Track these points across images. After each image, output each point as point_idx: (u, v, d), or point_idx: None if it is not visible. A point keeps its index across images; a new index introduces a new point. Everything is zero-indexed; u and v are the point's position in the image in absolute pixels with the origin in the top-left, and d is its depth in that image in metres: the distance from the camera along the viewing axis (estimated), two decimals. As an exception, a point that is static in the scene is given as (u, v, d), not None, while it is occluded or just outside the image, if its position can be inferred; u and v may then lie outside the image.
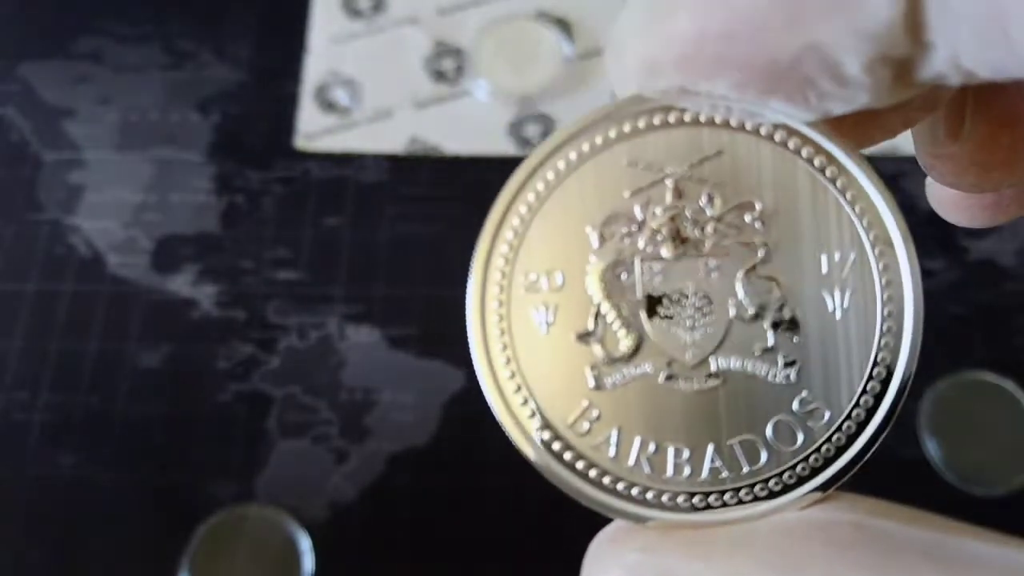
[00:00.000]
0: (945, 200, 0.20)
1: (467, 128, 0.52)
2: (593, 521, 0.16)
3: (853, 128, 0.16)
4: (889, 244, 0.16)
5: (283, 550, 0.44)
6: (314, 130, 0.53)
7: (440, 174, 0.51)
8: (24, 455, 0.46)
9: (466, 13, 0.55)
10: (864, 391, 0.15)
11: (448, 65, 0.54)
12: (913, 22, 0.13)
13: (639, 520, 0.15)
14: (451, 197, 0.51)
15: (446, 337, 0.47)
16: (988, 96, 0.16)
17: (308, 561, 0.43)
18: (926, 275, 0.54)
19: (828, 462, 0.15)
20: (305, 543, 0.44)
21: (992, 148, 0.17)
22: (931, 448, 0.45)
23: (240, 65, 0.54)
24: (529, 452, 0.16)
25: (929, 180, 0.19)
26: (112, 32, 0.55)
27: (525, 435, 0.16)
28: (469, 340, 0.16)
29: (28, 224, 0.51)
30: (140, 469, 0.46)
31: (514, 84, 0.53)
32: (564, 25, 0.55)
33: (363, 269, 0.49)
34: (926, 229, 0.50)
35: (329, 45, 0.55)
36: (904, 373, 0.16)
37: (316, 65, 0.54)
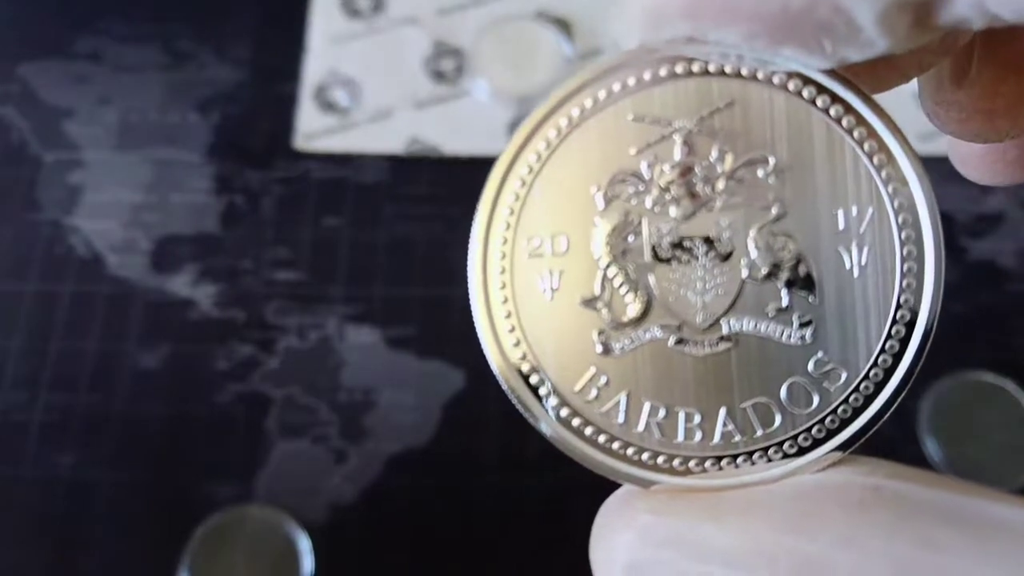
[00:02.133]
0: (967, 155, 0.19)
1: (467, 128, 0.52)
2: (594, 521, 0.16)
3: (867, 74, 0.15)
4: (909, 199, 0.15)
5: (283, 550, 0.44)
6: (314, 130, 0.53)
7: (440, 174, 0.51)
8: (24, 455, 0.46)
9: (466, 13, 0.55)
10: (883, 350, 0.15)
11: (448, 65, 0.54)
12: None
13: (649, 485, 0.15)
14: (451, 197, 0.51)
15: (446, 337, 0.47)
16: (995, 41, 0.16)
17: (308, 561, 0.43)
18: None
19: (844, 424, 0.15)
20: (305, 543, 0.44)
21: (997, 95, 0.16)
22: (931, 448, 0.45)
23: (240, 65, 0.54)
24: (537, 420, 0.16)
25: (950, 143, 0.18)
26: (112, 32, 0.55)
27: (532, 403, 0.15)
28: (472, 308, 0.16)
29: (27, 224, 0.51)
30: (140, 469, 0.46)
31: (514, 84, 0.53)
32: (564, 25, 0.55)
33: (363, 269, 0.49)
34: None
35: (329, 45, 0.55)
36: (925, 330, 0.15)
37: (316, 65, 0.54)
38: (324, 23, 0.55)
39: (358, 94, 0.54)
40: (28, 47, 0.55)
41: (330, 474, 0.45)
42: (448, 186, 0.51)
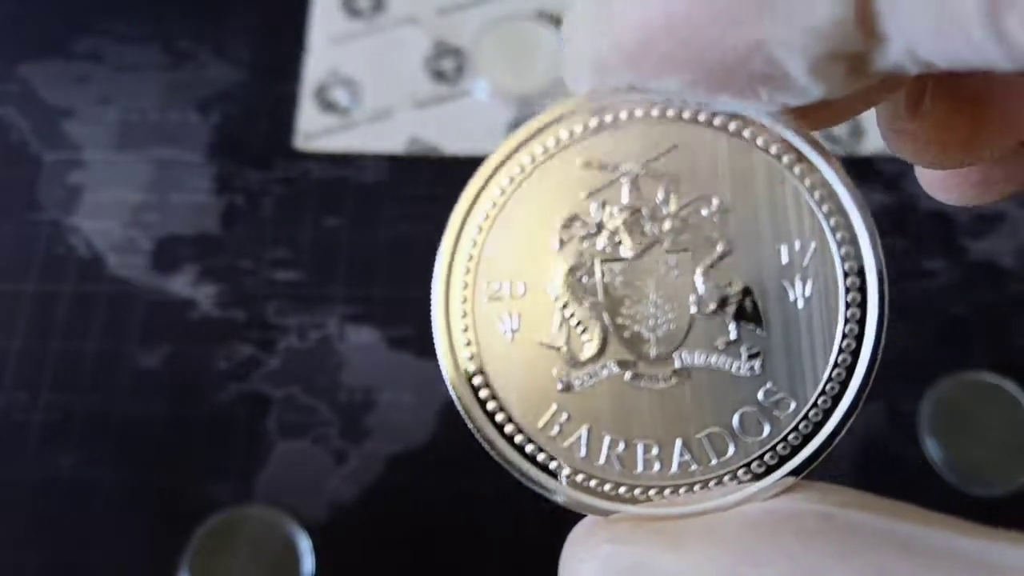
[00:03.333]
0: (933, 179, 0.19)
1: (467, 128, 0.52)
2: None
3: (813, 111, 0.16)
4: (850, 231, 0.15)
5: (283, 550, 0.44)
6: (314, 130, 0.53)
7: (440, 174, 0.51)
8: (24, 455, 0.46)
9: (466, 13, 0.55)
10: (830, 379, 0.15)
11: (448, 65, 0.54)
12: (864, 15, 0.12)
13: (612, 514, 0.16)
14: (451, 197, 0.50)
15: (446, 337, 0.46)
16: (948, 76, 0.16)
17: (308, 561, 0.43)
18: (926, 276, 0.54)
19: (796, 450, 0.15)
20: (305, 543, 0.44)
21: (951, 128, 0.17)
22: (931, 448, 0.45)
23: (240, 65, 0.54)
24: (504, 456, 0.16)
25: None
26: (112, 32, 0.55)
27: (498, 441, 0.16)
28: (437, 351, 0.16)
29: (28, 224, 0.51)
30: (140, 469, 0.46)
31: (514, 84, 0.53)
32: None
33: (363, 269, 0.49)
34: (926, 229, 0.50)
35: (329, 45, 0.55)
36: (869, 359, 0.16)
37: (316, 65, 0.54)
38: (324, 23, 0.55)
39: (358, 94, 0.54)
40: (28, 47, 0.55)
41: (330, 474, 0.45)
42: (448, 186, 0.51)
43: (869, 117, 0.53)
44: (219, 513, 0.44)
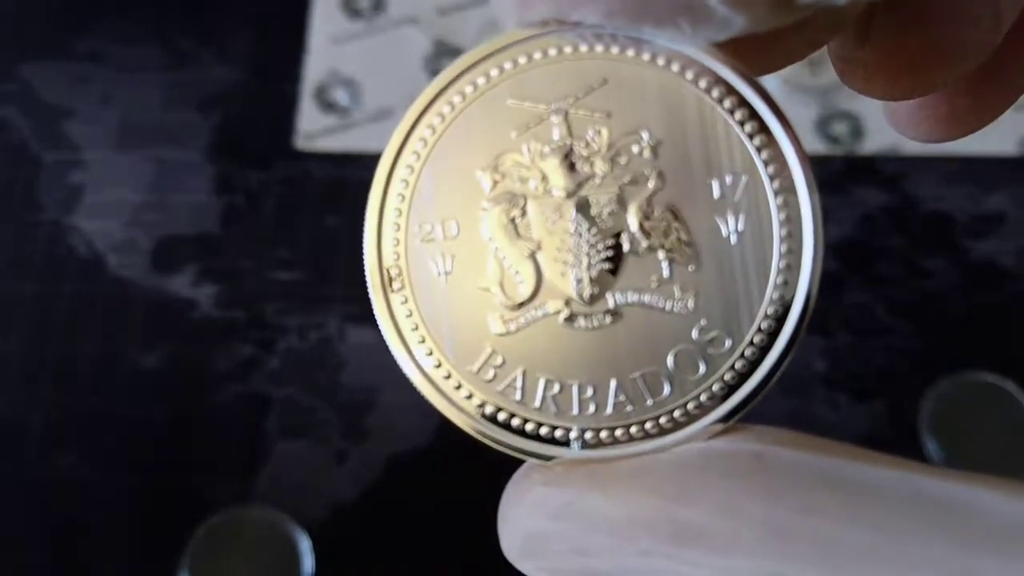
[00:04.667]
0: (899, 114, 0.19)
1: (467, 128, 0.52)
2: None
3: (753, 53, 0.15)
4: (782, 164, 0.15)
5: (283, 550, 0.44)
6: (314, 130, 0.53)
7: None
8: (24, 455, 0.46)
9: (466, 13, 0.55)
10: (765, 315, 0.15)
11: (448, 65, 0.54)
12: None
13: (549, 459, 0.15)
14: (451, 197, 0.50)
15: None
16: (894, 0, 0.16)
17: (308, 561, 0.43)
18: (926, 276, 0.54)
19: (732, 390, 0.15)
20: (305, 543, 0.44)
21: (899, 51, 0.16)
22: (931, 448, 0.45)
23: (240, 65, 0.54)
24: (437, 403, 0.16)
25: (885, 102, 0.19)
26: (112, 32, 0.55)
27: (432, 386, 0.16)
28: (369, 294, 0.16)
29: (28, 224, 0.51)
30: (140, 469, 0.46)
31: (514, 84, 0.53)
32: None
33: (363, 269, 0.49)
34: (926, 229, 0.50)
35: (329, 45, 0.55)
36: (805, 295, 0.15)
37: (316, 65, 0.54)
38: (324, 23, 0.55)
39: (358, 94, 0.54)
40: (28, 47, 0.55)
41: (330, 474, 0.45)
42: (448, 186, 0.51)
43: (868, 116, 0.53)
44: (219, 513, 0.44)
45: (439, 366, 0.16)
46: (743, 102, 0.15)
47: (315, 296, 0.49)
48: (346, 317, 0.48)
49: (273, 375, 0.47)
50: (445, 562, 0.44)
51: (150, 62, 0.54)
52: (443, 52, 0.54)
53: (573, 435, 0.15)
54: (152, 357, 0.48)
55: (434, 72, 0.54)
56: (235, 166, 0.52)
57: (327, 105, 0.53)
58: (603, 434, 0.15)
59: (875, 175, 0.51)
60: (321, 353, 0.48)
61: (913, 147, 0.49)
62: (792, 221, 0.15)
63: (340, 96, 0.53)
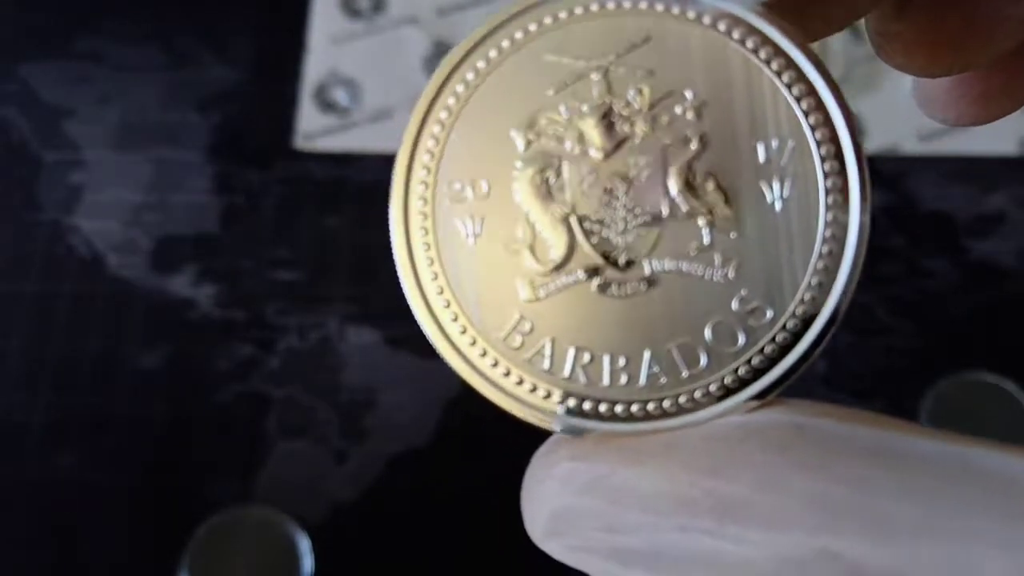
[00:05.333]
0: (931, 93, 0.18)
1: (467, 128, 0.52)
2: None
3: (795, 18, 0.15)
4: (831, 130, 0.14)
5: (283, 550, 0.44)
6: (314, 130, 0.53)
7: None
8: (24, 456, 0.46)
9: (466, 13, 0.55)
10: (808, 286, 0.14)
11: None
12: None
13: (577, 432, 0.15)
14: (451, 197, 0.50)
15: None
16: None
17: (308, 562, 0.43)
18: (926, 276, 0.54)
19: (772, 363, 0.14)
20: (305, 543, 0.44)
21: (939, 26, 0.16)
22: (931, 448, 0.45)
23: (240, 65, 0.54)
24: (461, 369, 0.15)
25: (914, 81, 0.18)
26: (112, 32, 0.55)
27: (456, 352, 0.15)
28: (394, 256, 0.16)
29: (28, 224, 0.51)
30: (140, 469, 0.46)
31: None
32: None
33: (363, 269, 0.49)
34: (926, 229, 0.50)
35: (329, 45, 0.55)
36: (851, 266, 0.14)
37: (316, 65, 0.54)
38: (324, 23, 0.55)
39: (358, 94, 0.54)
40: (28, 47, 0.55)
41: (330, 474, 0.45)
42: (448, 186, 0.51)
43: (869, 116, 0.53)
44: (219, 513, 0.44)
45: (464, 332, 0.15)
46: (791, 64, 0.15)
47: (315, 296, 0.49)
48: (346, 317, 0.48)
49: (273, 375, 0.47)
50: (445, 562, 0.44)
51: (150, 62, 0.54)
52: (443, 52, 0.54)
53: (556, 399, 0.15)
54: (152, 357, 0.48)
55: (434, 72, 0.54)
56: (235, 166, 0.52)
57: (327, 105, 0.53)
58: (635, 407, 0.14)
59: (875, 175, 0.51)
60: (321, 353, 0.48)
61: (913, 147, 0.49)
62: (839, 189, 0.14)
63: (340, 96, 0.53)
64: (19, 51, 0.55)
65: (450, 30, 0.55)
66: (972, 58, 0.16)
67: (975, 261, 0.49)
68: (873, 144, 0.51)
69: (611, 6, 0.15)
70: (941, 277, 0.49)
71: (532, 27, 0.15)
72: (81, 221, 0.51)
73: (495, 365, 0.15)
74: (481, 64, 0.16)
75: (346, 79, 0.54)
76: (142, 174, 0.52)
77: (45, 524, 0.45)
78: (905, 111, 0.49)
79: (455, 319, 0.15)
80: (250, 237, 0.50)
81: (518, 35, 0.15)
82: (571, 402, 0.15)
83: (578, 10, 0.15)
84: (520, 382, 0.15)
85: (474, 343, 0.15)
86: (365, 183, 0.51)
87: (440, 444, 0.46)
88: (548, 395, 0.15)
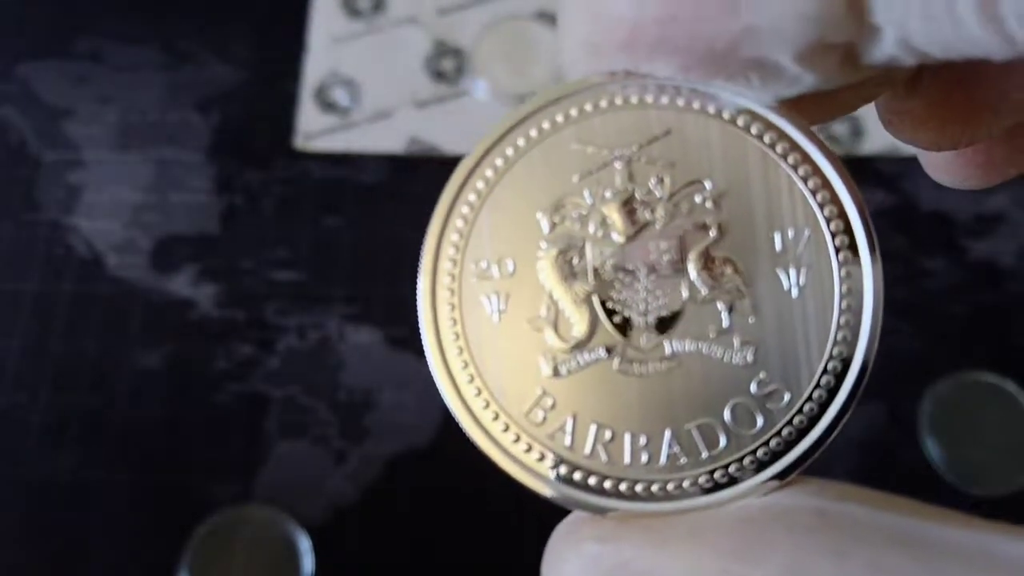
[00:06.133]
0: (936, 160, 0.19)
1: (467, 128, 0.52)
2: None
3: (809, 105, 0.16)
4: (845, 220, 0.15)
5: (283, 550, 0.44)
6: (314, 130, 0.53)
7: (440, 174, 0.51)
8: (24, 455, 0.46)
9: (466, 13, 0.55)
10: (824, 371, 0.15)
11: (448, 65, 0.54)
12: (854, 3, 0.12)
13: (598, 511, 0.15)
14: (451, 197, 0.50)
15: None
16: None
17: (308, 561, 0.43)
18: (926, 276, 0.54)
19: (790, 445, 0.15)
20: (305, 543, 0.44)
21: (948, 105, 0.17)
22: (931, 448, 0.45)
23: (240, 65, 0.54)
24: (483, 443, 0.16)
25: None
26: (112, 32, 0.55)
27: (479, 426, 0.16)
28: (421, 331, 0.16)
29: (27, 224, 0.51)
30: (140, 469, 0.46)
31: (514, 84, 0.53)
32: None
33: (363, 269, 0.49)
34: (926, 229, 0.50)
35: (329, 45, 0.55)
36: (866, 351, 0.15)
37: (316, 65, 0.54)
38: (324, 23, 0.55)
39: (358, 94, 0.54)
40: (28, 47, 0.55)
41: (330, 474, 0.45)
42: (448, 186, 0.51)
43: (868, 116, 0.52)
44: (219, 513, 0.44)
45: (487, 406, 0.16)
46: (807, 158, 0.15)
47: (315, 296, 0.49)
48: (346, 317, 0.48)
49: (273, 375, 0.47)
50: (445, 562, 0.44)
51: (150, 62, 0.54)
52: (443, 52, 0.54)
53: (578, 477, 0.15)
54: (152, 357, 0.48)
55: (434, 72, 0.54)
56: (235, 166, 0.52)
57: (327, 105, 0.53)
58: (655, 487, 0.15)
59: (875, 175, 0.51)
60: (321, 353, 0.48)
61: (913, 147, 0.49)
62: (853, 278, 0.15)
63: (340, 96, 0.53)
64: (19, 51, 0.55)
65: (450, 30, 0.55)
66: (977, 134, 0.17)
67: (975, 261, 0.49)
68: (873, 144, 0.51)
69: (634, 100, 0.16)
70: (941, 277, 0.49)
71: (559, 118, 0.16)
72: (81, 221, 0.51)
73: (516, 440, 0.15)
74: (509, 151, 0.16)
75: (346, 79, 0.54)
76: (142, 174, 0.52)
77: (45, 524, 0.45)
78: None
79: (479, 393, 0.16)
80: (250, 237, 0.50)
81: (545, 125, 0.16)
82: (592, 480, 0.15)
83: (602, 103, 0.16)
84: (541, 458, 0.15)
85: (497, 418, 0.16)
86: (365, 183, 0.51)
87: (440, 444, 0.46)
88: (570, 472, 0.15)
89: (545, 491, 0.15)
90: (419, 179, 0.51)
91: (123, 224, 0.51)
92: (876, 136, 0.50)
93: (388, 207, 0.50)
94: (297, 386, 0.47)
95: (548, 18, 0.55)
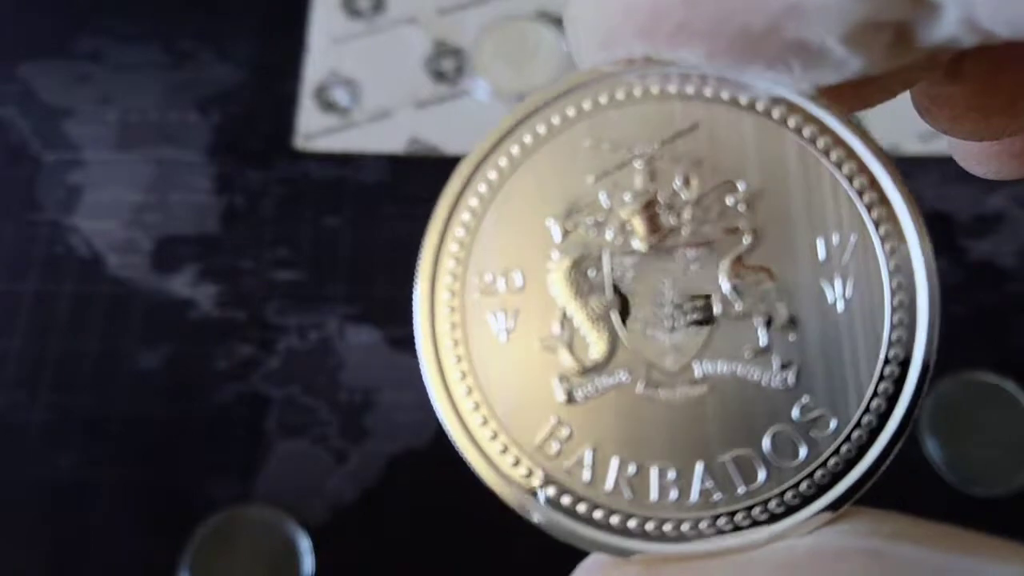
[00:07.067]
0: (971, 150, 0.17)
1: (467, 128, 0.52)
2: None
3: (847, 94, 0.14)
4: (895, 224, 0.14)
5: (283, 550, 0.44)
6: (314, 130, 0.53)
7: (440, 174, 0.51)
8: (24, 455, 0.46)
9: (466, 13, 0.55)
10: (875, 394, 0.13)
11: (448, 65, 0.54)
12: None
13: (621, 553, 0.13)
14: (451, 197, 0.50)
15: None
16: None
17: (308, 561, 0.43)
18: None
19: (836, 478, 0.13)
20: (305, 543, 0.44)
21: (993, 91, 0.15)
22: (931, 448, 0.45)
23: (240, 65, 0.54)
24: (490, 479, 0.14)
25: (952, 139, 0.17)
26: (112, 32, 0.55)
27: (486, 460, 0.14)
28: (418, 353, 0.15)
29: (27, 224, 0.51)
30: (140, 469, 0.46)
31: (514, 84, 0.53)
32: (564, 25, 0.55)
33: (363, 269, 0.49)
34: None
35: (329, 45, 0.55)
36: (920, 370, 0.14)
37: (316, 65, 0.54)
38: (324, 23, 0.55)
39: (358, 94, 0.54)
40: (28, 47, 0.55)
41: (330, 474, 0.45)
42: (448, 186, 0.51)
43: (869, 116, 0.53)
44: (219, 513, 0.44)
45: (495, 437, 0.14)
46: (851, 154, 0.14)
47: (315, 296, 0.49)
48: (346, 317, 0.48)
49: (273, 375, 0.47)
50: (445, 562, 0.44)
51: (150, 62, 0.54)
52: (443, 52, 0.54)
53: (599, 515, 0.13)
54: (152, 357, 0.48)
55: (434, 72, 0.54)
56: (235, 166, 0.52)
57: (327, 105, 0.53)
58: (685, 526, 0.13)
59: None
60: (321, 353, 0.48)
61: (913, 147, 0.49)
62: (906, 288, 0.14)
63: (340, 96, 0.53)
64: (19, 51, 0.55)
65: (450, 30, 0.55)
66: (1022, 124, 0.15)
67: (975, 261, 0.49)
68: (873, 144, 0.51)
69: (655, 91, 0.14)
70: (941, 277, 0.49)
71: (571, 112, 0.15)
72: (81, 221, 0.51)
73: (528, 475, 0.14)
74: (516, 150, 0.15)
75: (346, 79, 0.54)
76: (142, 174, 0.52)
77: (45, 524, 0.45)
78: (905, 111, 0.49)
79: (484, 423, 0.14)
80: (250, 237, 0.50)
81: (555, 120, 0.15)
82: (615, 519, 0.14)
83: (620, 95, 0.14)
84: (557, 496, 0.14)
85: (506, 450, 0.14)
86: (365, 183, 0.51)
87: (440, 444, 0.46)
88: (590, 511, 0.14)
89: (561, 533, 0.14)
90: (419, 179, 0.51)
91: (123, 224, 0.51)
92: (874, 133, 0.50)
93: (388, 207, 0.50)
94: (297, 386, 0.47)
95: (549, 18, 0.55)
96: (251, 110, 0.53)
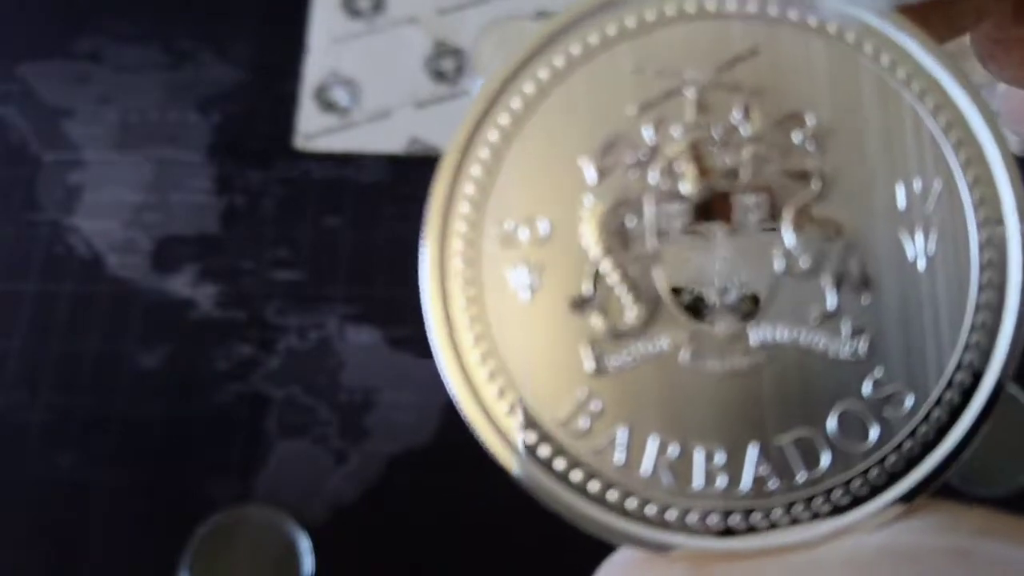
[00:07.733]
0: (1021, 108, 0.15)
1: (467, 128, 0.52)
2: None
3: (919, 22, 0.12)
4: (985, 168, 0.12)
5: (283, 550, 0.44)
6: (314, 130, 0.53)
7: (440, 174, 0.51)
8: (24, 455, 0.46)
9: (466, 13, 0.55)
10: (959, 367, 0.12)
11: (448, 65, 0.54)
12: None
13: (659, 549, 0.11)
14: (451, 197, 0.50)
15: (446, 337, 0.46)
16: None
17: (308, 561, 0.43)
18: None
19: (911, 464, 0.11)
20: (305, 543, 0.44)
21: None
22: (931, 448, 0.45)
23: (240, 65, 0.54)
24: (508, 460, 0.12)
25: (1001, 90, 0.15)
26: (112, 32, 0.55)
27: (503, 437, 0.12)
28: (424, 314, 0.12)
29: (27, 224, 0.51)
30: (140, 469, 0.46)
31: (514, 84, 0.53)
32: None
33: (363, 269, 0.49)
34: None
35: (329, 45, 0.55)
36: (1011, 341, 0.11)
37: (316, 65, 0.54)
38: (324, 23, 0.55)
39: (358, 94, 0.54)
40: (28, 47, 0.55)
41: (330, 474, 0.45)
42: (448, 186, 0.51)
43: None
44: (219, 513, 0.44)
45: (513, 411, 0.12)
46: (935, 86, 0.12)
47: (315, 296, 0.49)
48: (346, 317, 0.48)
49: (273, 375, 0.47)
50: (445, 562, 0.44)
51: (150, 62, 0.54)
52: (443, 52, 0.54)
53: (634, 504, 0.11)
54: (152, 357, 0.48)
55: (434, 72, 0.54)
56: (235, 166, 0.52)
57: (327, 105, 0.53)
58: (735, 518, 0.11)
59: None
60: (321, 353, 0.48)
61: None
62: (996, 244, 0.11)
63: (340, 96, 0.53)
64: (19, 51, 0.55)
65: (450, 30, 0.55)
66: None
67: (975, 261, 0.49)
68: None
69: (710, 7, 0.12)
70: None
71: (610, 30, 0.12)
72: (81, 221, 0.51)
73: (552, 457, 0.12)
74: (544, 74, 0.12)
75: (346, 79, 0.54)
76: (142, 174, 0.52)
77: (45, 524, 0.45)
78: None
79: (501, 394, 0.12)
80: (250, 237, 0.50)
81: (592, 39, 0.12)
82: (651, 509, 0.11)
83: (669, 11, 0.12)
84: (586, 481, 0.12)
85: (526, 427, 0.12)
86: (365, 183, 0.51)
87: (440, 444, 0.46)
88: (623, 499, 0.12)
89: (589, 523, 0.12)
90: (419, 179, 0.51)
91: (123, 224, 0.51)
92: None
93: (388, 207, 0.50)
94: (297, 386, 0.47)
95: (549, 18, 0.55)
96: (251, 110, 0.53)
